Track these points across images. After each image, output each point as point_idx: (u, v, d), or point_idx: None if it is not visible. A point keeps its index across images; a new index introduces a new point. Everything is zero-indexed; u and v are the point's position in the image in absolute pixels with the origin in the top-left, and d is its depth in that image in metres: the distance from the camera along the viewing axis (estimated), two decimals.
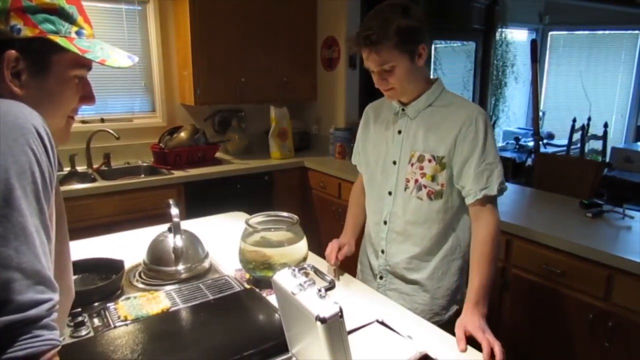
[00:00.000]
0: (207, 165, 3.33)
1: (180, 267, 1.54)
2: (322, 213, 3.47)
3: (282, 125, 3.64)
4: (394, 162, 1.54)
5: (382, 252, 1.62)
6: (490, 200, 1.43)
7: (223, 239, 1.88)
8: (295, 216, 1.56)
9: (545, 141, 5.72)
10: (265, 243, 1.50)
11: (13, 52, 0.70)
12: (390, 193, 1.56)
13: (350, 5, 3.59)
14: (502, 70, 5.67)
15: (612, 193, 3.22)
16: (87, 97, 0.83)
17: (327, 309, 0.85)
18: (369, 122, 1.67)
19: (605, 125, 5.01)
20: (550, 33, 6.49)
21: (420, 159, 1.48)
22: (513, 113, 6.27)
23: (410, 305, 1.55)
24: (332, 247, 1.64)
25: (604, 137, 5.00)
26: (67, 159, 3.10)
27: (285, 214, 1.59)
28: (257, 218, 1.58)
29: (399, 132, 1.54)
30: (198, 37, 3.29)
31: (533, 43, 4.35)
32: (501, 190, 1.42)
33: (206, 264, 1.62)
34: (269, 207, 3.55)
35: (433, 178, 1.46)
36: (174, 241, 1.54)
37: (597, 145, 5.30)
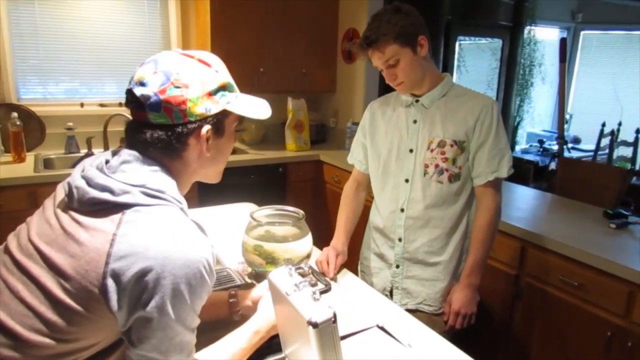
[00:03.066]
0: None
1: None
2: (334, 207, 3.38)
3: (298, 117, 3.59)
4: (411, 150, 1.60)
5: (400, 240, 1.65)
6: (497, 183, 1.57)
7: (229, 230, 1.85)
8: (301, 211, 1.51)
9: (570, 145, 5.55)
10: (269, 237, 1.46)
11: (208, 127, 0.89)
12: (407, 180, 1.61)
13: None
14: (528, 70, 5.50)
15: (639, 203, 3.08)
16: (235, 137, 1.04)
17: (320, 313, 0.80)
18: (376, 117, 1.72)
19: (637, 131, 4.83)
20: (582, 32, 6.28)
21: (441, 144, 1.55)
22: (538, 115, 6.10)
23: (431, 291, 1.64)
24: (329, 256, 1.61)
25: (635, 144, 4.82)
26: (84, 141, 3.11)
27: (291, 208, 1.54)
28: (262, 211, 1.54)
29: (415, 121, 1.60)
30: (217, 26, 3.25)
31: (562, 42, 4.20)
32: (509, 173, 1.56)
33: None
34: (282, 199, 3.55)
35: (454, 161, 1.55)
36: None
37: (626, 152, 5.11)
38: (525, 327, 2.16)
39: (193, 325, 0.83)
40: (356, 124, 3.59)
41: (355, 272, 1.82)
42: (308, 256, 1.48)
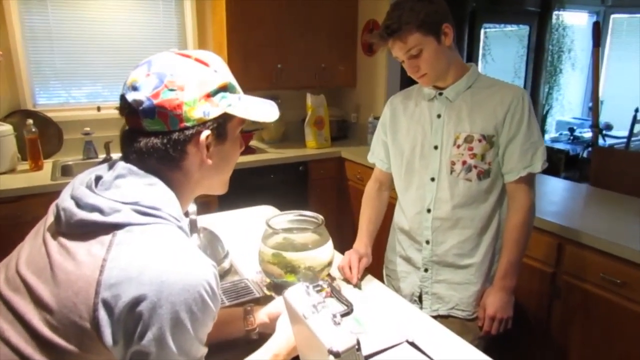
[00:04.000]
0: (240, 153, 3.24)
1: None
2: (357, 206, 3.30)
3: (318, 113, 3.50)
4: (435, 147, 1.51)
5: (427, 242, 1.56)
6: (530, 179, 1.46)
7: (247, 236, 1.78)
8: (320, 216, 1.42)
9: (602, 132, 5.32)
10: (288, 245, 1.38)
11: (207, 132, 0.81)
12: (433, 179, 1.51)
13: None
14: (557, 56, 5.28)
15: None
16: (241, 143, 0.94)
17: (341, 341, 0.72)
18: (397, 112, 1.62)
19: None
20: (612, 16, 6.01)
21: (469, 139, 1.45)
22: (568, 102, 5.86)
23: (463, 295, 1.54)
24: (351, 261, 1.52)
25: None
26: (103, 146, 3.08)
27: (309, 213, 1.46)
28: (279, 218, 1.46)
29: (438, 116, 1.51)
30: (234, 23, 3.18)
31: (595, 25, 3.98)
32: (543, 168, 1.46)
33: (226, 264, 1.52)
34: (303, 199, 3.47)
35: (482, 157, 1.45)
36: (192, 239, 1.44)
37: None
38: (565, 328, 2.04)
39: (199, 356, 0.75)
40: (378, 118, 3.48)
41: (380, 277, 1.73)
42: (330, 264, 1.40)
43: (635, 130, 4.91)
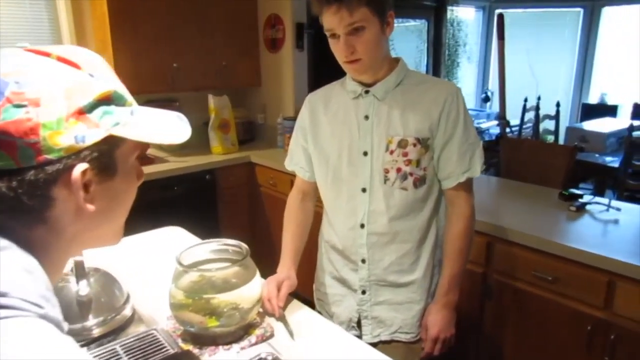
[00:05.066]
0: (150, 162, 2.86)
1: (90, 321, 1.14)
2: (273, 214, 3.09)
3: (223, 115, 3.21)
4: (365, 153, 1.32)
5: (363, 261, 1.37)
6: (469, 184, 1.35)
7: (153, 270, 1.49)
8: (245, 245, 1.19)
9: (496, 124, 5.60)
10: (206, 284, 1.13)
11: (83, 166, 0.55)
12: (364, 190, 1.32)
13: None
14: (454, 50, 5.45)
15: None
16: (139, 173, 0.68)
17: None
18: (317, 113, 1.41)
19: (558, 105, 4.92)
20: (496, 11, 6.35)
21: (402, 144, 1.28)
22: (466, 94, 6.12)
23: (406, 316, 1.39)
24: (269, 292, 1.30)
25: (557, 117, 4.91)
26: None
27: (230, 242, 1.22)
28: (191, 251, 1.19)
29: (366, 117, 1.32)
30: (118, 16, 2.78)
31: (499, 18, 4.11)
32: (482, 171, 1.35)
33: (127, 312, 1.22)
34: (213, 211, 3.16)
35: (418, 163, 1.29)
36: (78, 288, 1.14)
37: (548, 125, 5.22)
38: (498, 329, 1.99)
39: None
40: (287, 118, 3.28)
41: (311, 301, 1.53)
42: (258, 302, 1.17)
43: (526, 119, 5.20)
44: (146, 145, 0.63)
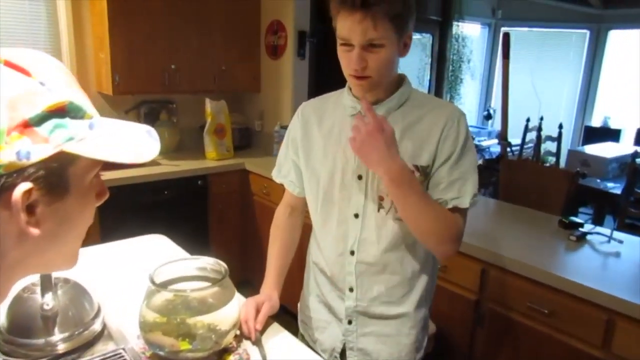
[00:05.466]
0: (127, 167, 2.78)
1: (56, 336, 1.07)
2: (265, 224, 3.01)
3: (219, 120, 3.15)
4: (360, 177, 1.21)
5: (351, 290, 1.27)
6: (459, 212, 1.19)
7: (129, 281, 1.41)
8: (224, 264, 1.12)
9: (497, 142, 5.55)
10: (181, 304, 1.05)
11: (26, 185, 0.48)
12: (356, 216, 1.22)
13: None
14: (458, 66, 5.41)
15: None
16: (101, 192, 0.61)
17: None
18: (311, 127, 1.30)
19: (560, 127, 4.87)
20: (502, 29, 6.32)
21: None
22: (468, 111, 6.08)
23: (393, 349, 1.30)
24: (247, 313, 1.21)
25: (559, 139, 4.85)
26: None
27: (210, 260, 1.14)
28: (168, 267, 1.12)
29: None
30: (117, 13, 2.73)
31: (505, 37, 4.05)
32: (473, 203, 1.19)
33: (97, 326, 1.15)
34: (203, 218, 3.08)
35: None
36: (43, 301, 1.06)
37: (549, 146, 5.16)
38: (489, 357, 1.92)
39: None
40: (285, 127, 3.20)
41: (294, 323, 1.46)
42: (235, 326, 1.09)
43: (527, 139, 5.15)
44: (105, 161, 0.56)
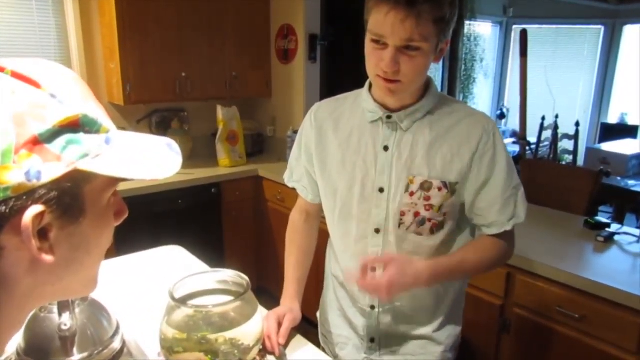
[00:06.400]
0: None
1: (75, 357, 1.03)
2: (280, 230, 2.96)
3: (231, 127, 3.13)
4: (381, 190, 1.12)
5: (372, 307, 1.21)
6: (513, 230, 1.16)
7: (147, 296, 1.37)
8: (245, 277, 1.08)
9: (511, 140, 5.46)
10: (202, 320, 1.01)
11: (38, 208, 0.44)
12: (377, 231, 1.15)
13: None
14: (470, 65, 5.34)
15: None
16: (119, 211, 0.57)
17: None
18: (326, 132, 1.20)
19: (577, 124, 4.78)
20: (514, 27, 6.25)
21: (426, 186, 1.09)
22: (481, 110, 6.00)
23: None
24: (269, 328, 1.16)
25: (576, 137, 4.76)
26: None
27: (230, 273, 1.10)
28: (188, 281, 1.08)
29: (386, 148, 1.11)
30: (126, 23, 2.71)
31: (522, 34, 3.97)
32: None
33: (116, 345, 1.11)
34: (217, 226, 3.05)
35: (439, 208, 1.11)
36: (61, 321, 1.03)
37: (566, 145, 5.07)
38: None
39: None
40: (297, 132, 3.17)
41: (311, 329, 1.41)
42: (258, 341, 1.05)
43: (543, 137, 5.06)
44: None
